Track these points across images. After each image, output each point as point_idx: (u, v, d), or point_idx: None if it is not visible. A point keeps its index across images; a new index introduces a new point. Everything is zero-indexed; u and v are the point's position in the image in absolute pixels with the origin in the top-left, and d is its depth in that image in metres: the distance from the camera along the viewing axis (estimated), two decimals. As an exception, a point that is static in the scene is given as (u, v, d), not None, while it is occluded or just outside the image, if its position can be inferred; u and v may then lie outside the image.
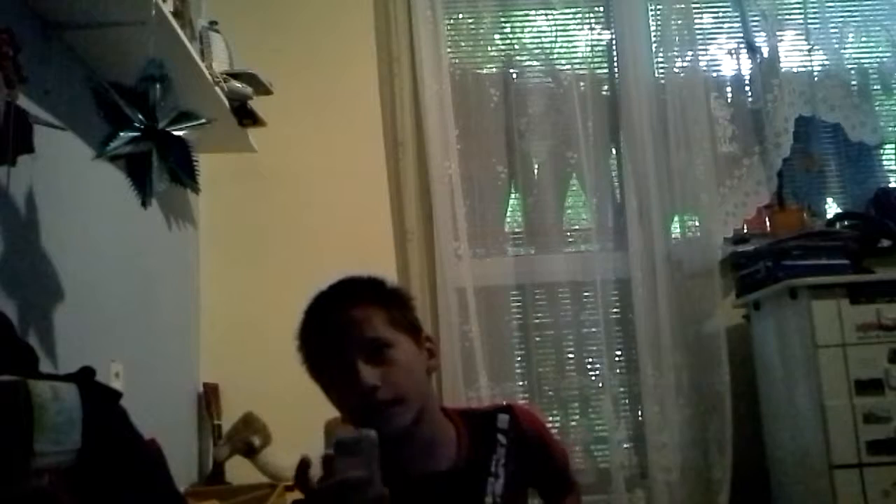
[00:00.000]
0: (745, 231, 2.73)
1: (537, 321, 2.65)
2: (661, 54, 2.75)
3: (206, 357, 2.51)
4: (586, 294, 2.64)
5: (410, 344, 1.10)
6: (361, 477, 0.89)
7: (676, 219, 2.66)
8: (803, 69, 2.77)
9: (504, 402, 1.25)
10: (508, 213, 2.75)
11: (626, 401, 2.64)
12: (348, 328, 1.06)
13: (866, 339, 2.09)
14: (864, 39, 2.85)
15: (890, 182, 2.88)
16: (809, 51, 2.78)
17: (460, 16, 2.84)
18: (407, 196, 2.57)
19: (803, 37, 2.79)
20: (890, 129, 2.81)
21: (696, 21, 2.76)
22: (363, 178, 2.63)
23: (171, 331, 2.30)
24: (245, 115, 2.24)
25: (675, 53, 2.72)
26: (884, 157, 2.90)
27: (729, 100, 2.78)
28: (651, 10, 2.77)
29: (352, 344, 1.05)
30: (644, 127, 2.65)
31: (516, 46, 2.81)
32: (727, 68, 2.83)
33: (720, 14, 2.87)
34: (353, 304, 1.09)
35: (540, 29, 2.83)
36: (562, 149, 2.72)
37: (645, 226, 2.62)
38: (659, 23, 2.76)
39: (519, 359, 2.64)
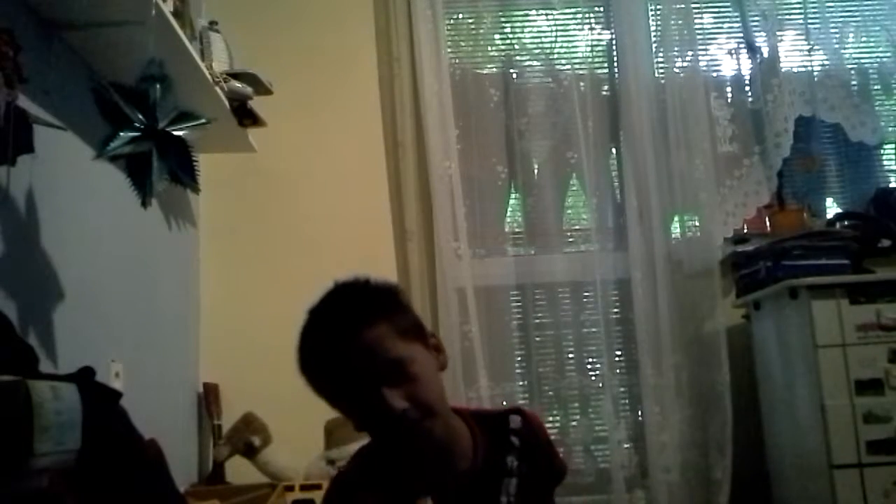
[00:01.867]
0: (745, 231, 2.72)
1: (537, 321, 2.65)
2: (661, 54, 2.75)
3: (206, 357, 2.51)
4: (586, 294, 2.64)
5: (422, 350, 1.07)
6: None
7: (676, 219, 2.66)
8: (803, 69, 2.77)
9: (513, 406, 1.24)
10: (508, 213, 2.75)
11: (626, 401, 2.64)
12: (364, 355, 1.00)
13: (866, 339, 2.09)
14: (864, 39, 2.85)
15: (890, 182, 2.88)
16: (809, 51, 2.78)
17: (460, 16, 2.84)
18: (407, 196, 2.57)
19: (803, 37, 2.79)
20: (890, 129, 2.81)
21: (696, 21, 2.76)
22: (363, 178, 2.63)
23: (171, 331, 2.30)
24: (245, 115, 2.24)
25: (675, 53, 2.72)
26: (884, 157, 2.91)
27: (729, 100, 2.78)
28: (651, 10, 2.77)
29: (372, 372, 1.00)
30: (644, 127, 2.65)
31: (516, 46, 2.81)
32: (727, 68, 2.83)
33: (720, 14, 2.87)
34: (361, 326, 1.02)
35: (540, 29, 2.83)
36: (562, 149, 2.72)
37: (645, 226, 2.62)
38: (659, 23, 2.76)
39: (519, 359, 2.64)
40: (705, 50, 2.80)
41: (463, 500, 1.09)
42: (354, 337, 1.01)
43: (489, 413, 1.22)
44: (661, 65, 2.75)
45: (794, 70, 2.77)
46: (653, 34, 2.77)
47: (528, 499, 1.14)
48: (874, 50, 2.85)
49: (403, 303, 1.11)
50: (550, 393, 2.63)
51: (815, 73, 2.75)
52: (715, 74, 2.81)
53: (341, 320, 1.04)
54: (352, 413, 1.06)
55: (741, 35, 2.82)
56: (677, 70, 2.71)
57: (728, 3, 2.85)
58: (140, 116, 1.41)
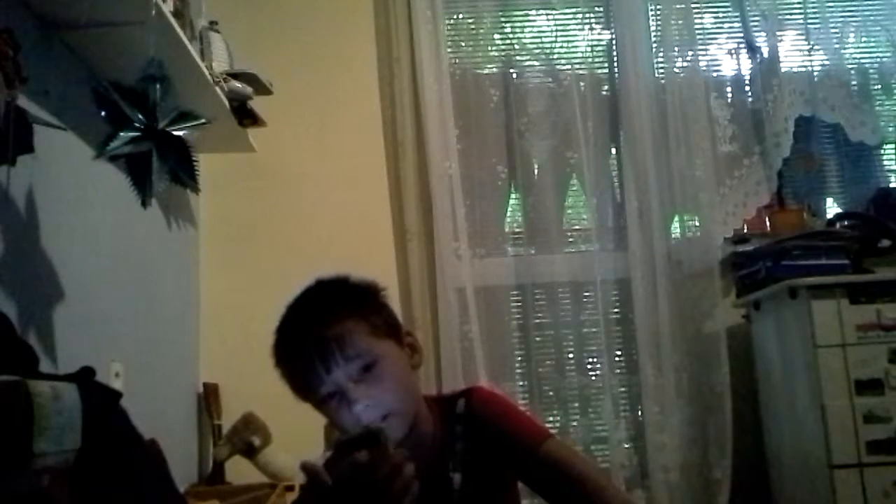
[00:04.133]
0: (745, 231, 2.72)
1: (537, 321, 2.65)
2: (661, 54, 2.75)
3: (206, 357, 2.51)
4: (586, 294, 2.64)
5: (394, 348, 1.07)
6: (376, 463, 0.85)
7: (676, 219, 2.66)
8: (803, 69, 2.77)
9: (464, 388, 1.20)
10: (508, 213, 2.75)
11: (626, 401, 2.64)
12: (331, 350, 1.01)
13: (866, 339, 2.08)
14: (864, 39, 2.85)
15: (890, 182, 2.88)
16: (809, 51, 2.78)
17: (460, 16, 2.84)
18: (407, 196, 2.57)
19: (803, 37, 2.79)
20: (890, 129, 2.81)
21: (696, 21, 2.76)
22: (363, 178, 2.63)
23: (171, 331, 2.30)
24: (245, 115, 2.24)
25: (675, 53, 2.72)
26: (884, 157, 2.91)
27: (729, 100, 2.78)
28: (651, 10, 2.77)
29: (338, 367, 1.01)
30: (644, 127, 2.65)
31: (516, 46, 2.81)
32: (727, 68, 2.83)
33: (720, 14, 2.87)
34: (331, 321, 1.03)
35: (540, 29, 2.83)
36: (562, 149, 2.72)
37: (645, 226, 2.62)
38: (659, 23, 2.76)
39: (519, 359, 2.64)
40: (705, 50, 2.80)
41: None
42: (323, 329, 1.02)
43: (444, 397, 1.20)
44: (661, 65, 2.75)
45: (794, 70, 2.77)
46: (653, 34, 2.77)
47: (484, 489, 1.11)
48: (874, 50, 2.85)
49: (379, 301, 1.12)
50: (550, 393, 2.63)
51: (815, 73, 2.75)
52: (715, 74, 2.81)
53: (313, 312, 1.06)
54: (319, 408, 1.06)
55: (741, 35, 2.82)
56: (677, 70, 2.71)
57: (728, 3, 2.85)
58: (140, 116, 1.41)
